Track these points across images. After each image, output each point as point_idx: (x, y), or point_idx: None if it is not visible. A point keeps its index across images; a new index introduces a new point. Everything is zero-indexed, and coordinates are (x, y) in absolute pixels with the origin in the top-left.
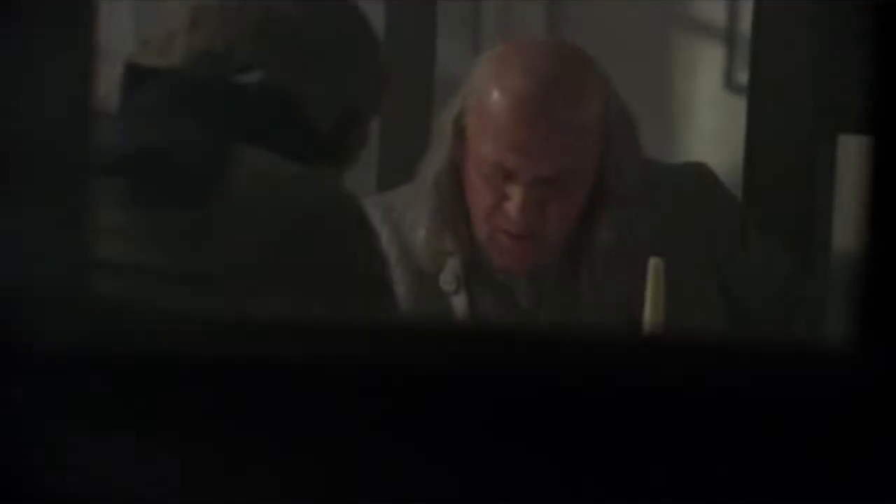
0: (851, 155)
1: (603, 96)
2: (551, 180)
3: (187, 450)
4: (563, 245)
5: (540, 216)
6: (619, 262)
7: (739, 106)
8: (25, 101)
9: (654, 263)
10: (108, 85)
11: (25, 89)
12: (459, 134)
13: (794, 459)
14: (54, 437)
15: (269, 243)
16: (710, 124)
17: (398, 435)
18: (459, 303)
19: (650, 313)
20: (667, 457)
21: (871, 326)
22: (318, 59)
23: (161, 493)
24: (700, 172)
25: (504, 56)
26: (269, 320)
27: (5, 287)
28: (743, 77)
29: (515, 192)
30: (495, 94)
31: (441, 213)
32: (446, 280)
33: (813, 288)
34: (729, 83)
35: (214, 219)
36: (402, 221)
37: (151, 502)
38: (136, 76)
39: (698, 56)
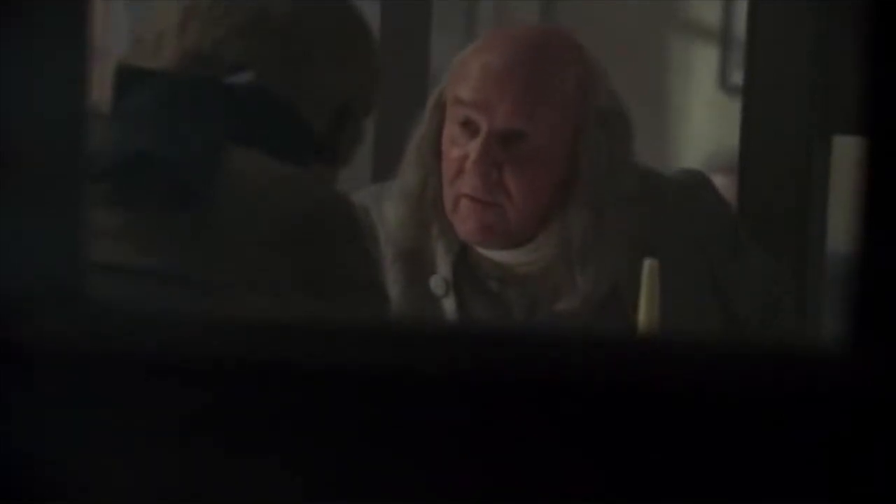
0: (847, 156)
1: (586, 82)
2: (508, 138)
3: (186, 450)
4: (527, 226)
5: (497, 182)
6: (606, 264)
7: (734, 107)
8: (22, 102)
9: (648, 265)
10: (103, 86)
11: (22, 90)
12: (440, 107)
13: (790, 462)
14: (53, 437)
15: (263, 245)
16: (704, 125)
17: (392, 437)
18: (449, 307)
19: (644, 314)
20: (662, 459)
21: (867, 328)
22: (311, 57)
23: (161, 493)
24: (696, 180)
25: (490, 34)
26: (264, 322)
27: (2, 288)
28: (738, 78)
29: (473, 148)
30: (472, 59)
31: (420, 187)
32: (436, 284)
33: (807, 294)
34: (724, 84)
35: (209, 220)
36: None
37: (151, 502)
38: (127, 77)
39: (693, 57)
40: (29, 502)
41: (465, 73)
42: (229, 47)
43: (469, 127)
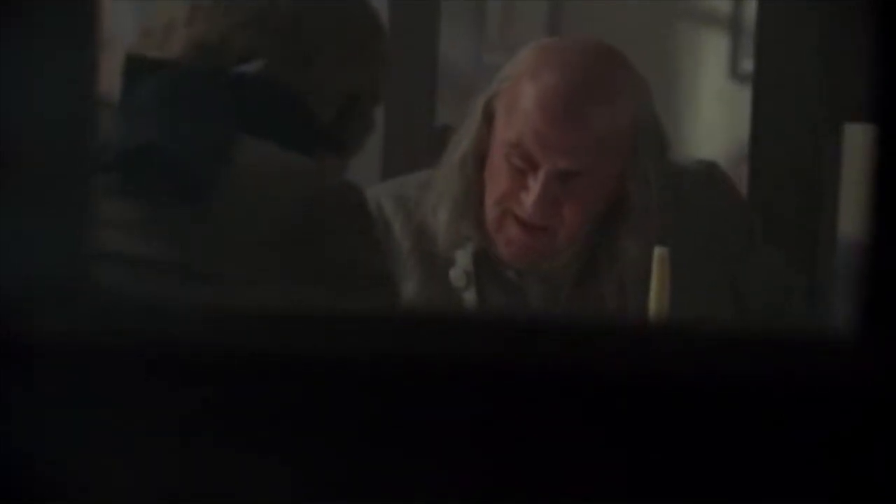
0: (857, 144)
1: (636, 103)
2: (571, 175)
3: (186, 448)
4: (573, 245)
5: (554, 210)
6: (637, 273)
7: (744, 95)
8: (27, 95)
9: (658, 252)
10: (109, 77)
11: (27, 83)
12: (488, 117)
13: (800, 451)
14: (53, 437)
15: (270, 235)
16: (714, 113)
17: (397, 433)
18: (469, 299)
19: (655, 302)
20: (667, 449)
21: (877, 317)
22: (319, 47)
23: (161, 492)
24: (712, 173)
25: (543, 49)
26: (269, 313)
27: (4, 282)
28: (748, 66)
29: (534, 183)
30: (527, 83)
31: (464, 195)
32: (456, 276)
33: (817, 284)
34: (734, 72)
35: (216, 211)
36: (418, 208)
37: (151, 502)
38: (136, 68)
39: (703, 45)
40: (29, 502)
41: (518, 98)
42: (238, 38)
43: (527, 157)
